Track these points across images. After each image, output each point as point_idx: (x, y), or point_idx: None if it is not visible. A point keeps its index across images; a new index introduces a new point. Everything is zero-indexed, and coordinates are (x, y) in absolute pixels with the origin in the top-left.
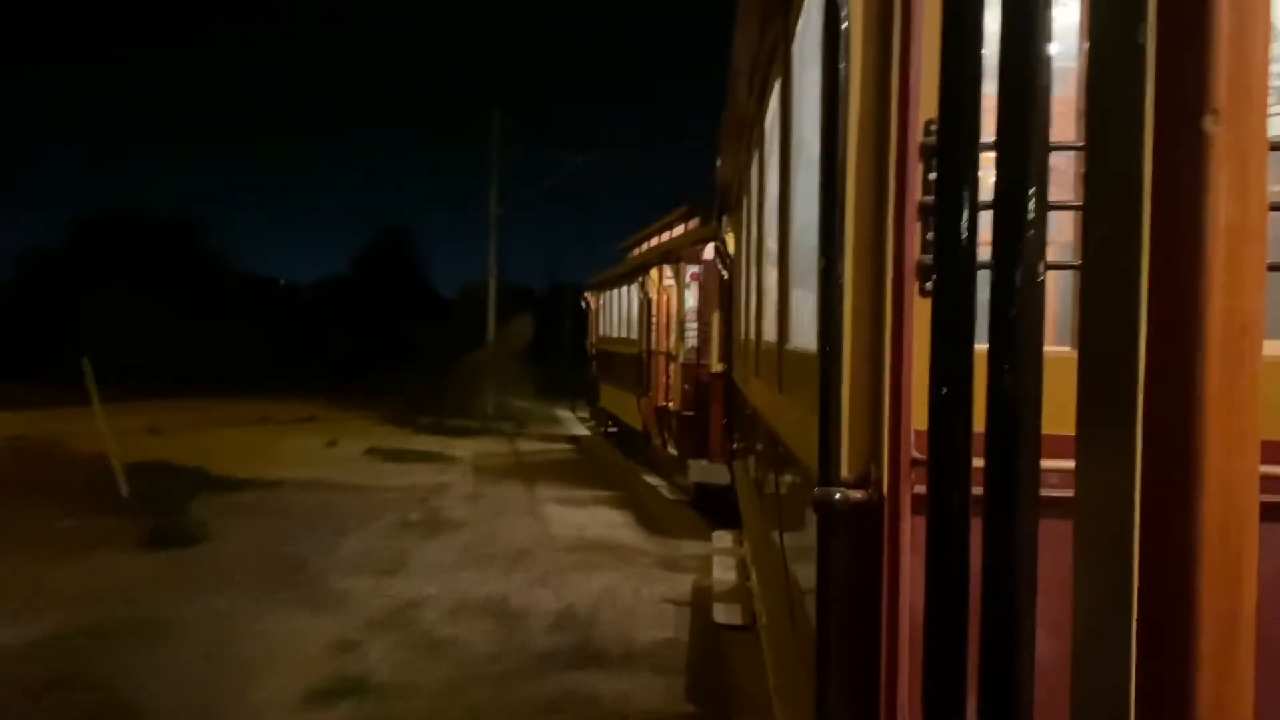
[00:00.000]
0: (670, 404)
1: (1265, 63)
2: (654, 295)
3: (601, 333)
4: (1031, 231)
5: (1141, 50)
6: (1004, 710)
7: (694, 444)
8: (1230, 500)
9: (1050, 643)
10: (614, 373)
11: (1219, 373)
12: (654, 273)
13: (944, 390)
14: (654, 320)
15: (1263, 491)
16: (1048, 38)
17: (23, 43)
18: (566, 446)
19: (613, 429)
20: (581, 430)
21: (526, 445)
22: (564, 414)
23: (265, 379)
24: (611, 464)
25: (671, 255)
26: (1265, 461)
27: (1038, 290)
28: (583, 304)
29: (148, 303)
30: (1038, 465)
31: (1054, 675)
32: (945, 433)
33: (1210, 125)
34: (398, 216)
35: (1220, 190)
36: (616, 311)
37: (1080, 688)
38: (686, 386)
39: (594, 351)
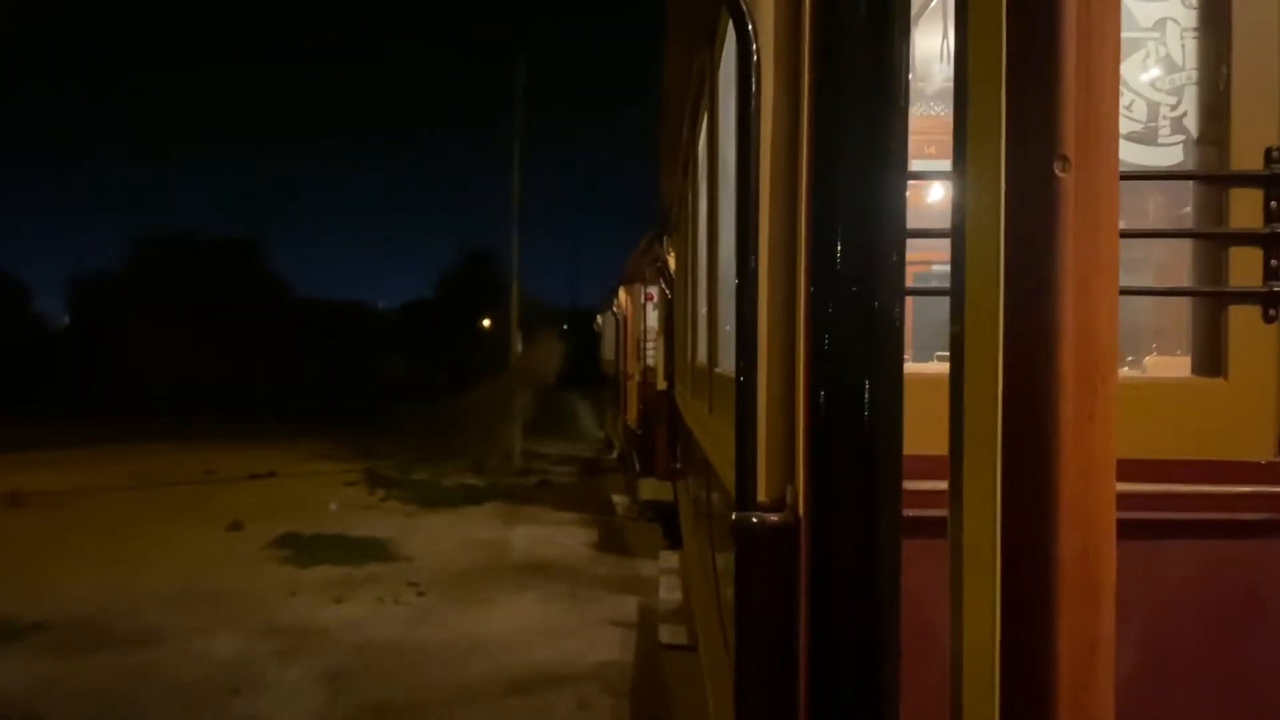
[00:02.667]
0: (630, 422)
1: (1114, 109)
2: (621, 316)
3: (603, 355)
4: (891, 256)
5: (998, 102)
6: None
7: (644, 461)
8: (1088, 527)
9: (932, 662)
10: (609, 394)
11: (1073, 406)
12: (621, 294)
13: (825, 412)
14: (623, 341)
15: (1123, 509)
16: (906, 66)
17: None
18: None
19: (615, 451)
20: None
21: (530, 520)
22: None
23: (291, 411)
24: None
25: (628, 276)
26: (1121, 479)
27: (896, 312)
28: (594, 327)
29: (201, 330)
30: (899, 484)
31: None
32: (826, 454)
33: (1059, 171)
34: (493, 235)
35: (1069, 232)
36: (610, 333)
37: (953, 709)
38: (641, 405)
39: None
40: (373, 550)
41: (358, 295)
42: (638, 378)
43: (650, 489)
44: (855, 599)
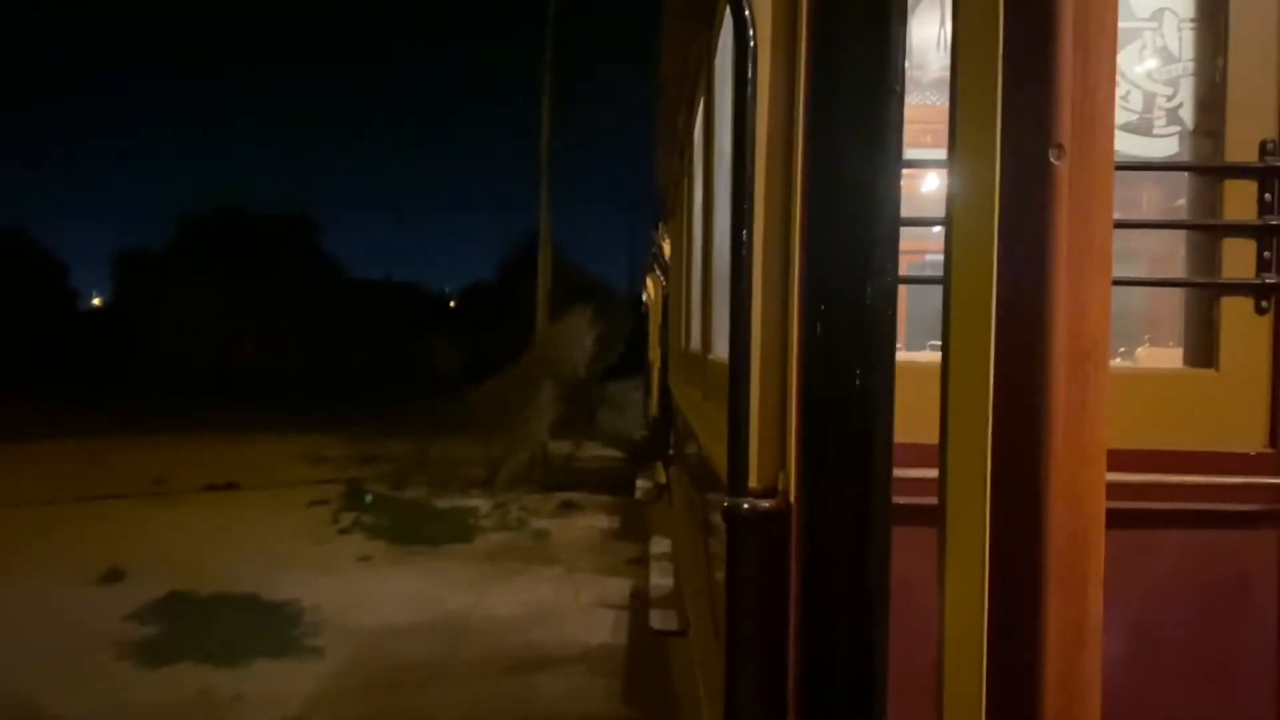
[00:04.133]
0: (653, 409)
1: (1110, 98)
2: (648, 304)
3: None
4: (885, 244)
5: (994, 88)
6: (860, 712)
7: (662, 447)
8: (1077, 514)
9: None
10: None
11: (1065, 391)
12: (648, 281)
13: (813, 398)
14: (649, 328)
15: (1114, 499)
16: (902, 52)
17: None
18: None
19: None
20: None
21: (533, 574)
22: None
23: (318, 400)
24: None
25: (650, 263)
26: (1113, 469)
27: (889, 301)
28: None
29: (247, 311)
30: (889, 471)
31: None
32: (819, 442)
33: (1054, 159)
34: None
35: (1063, 220)
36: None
37: (938, 694)
38: (658, 392)
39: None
40: (276, 631)
41: (420, 278)
42: (658, 364)
43: (663, 474)
44: (846, 586)
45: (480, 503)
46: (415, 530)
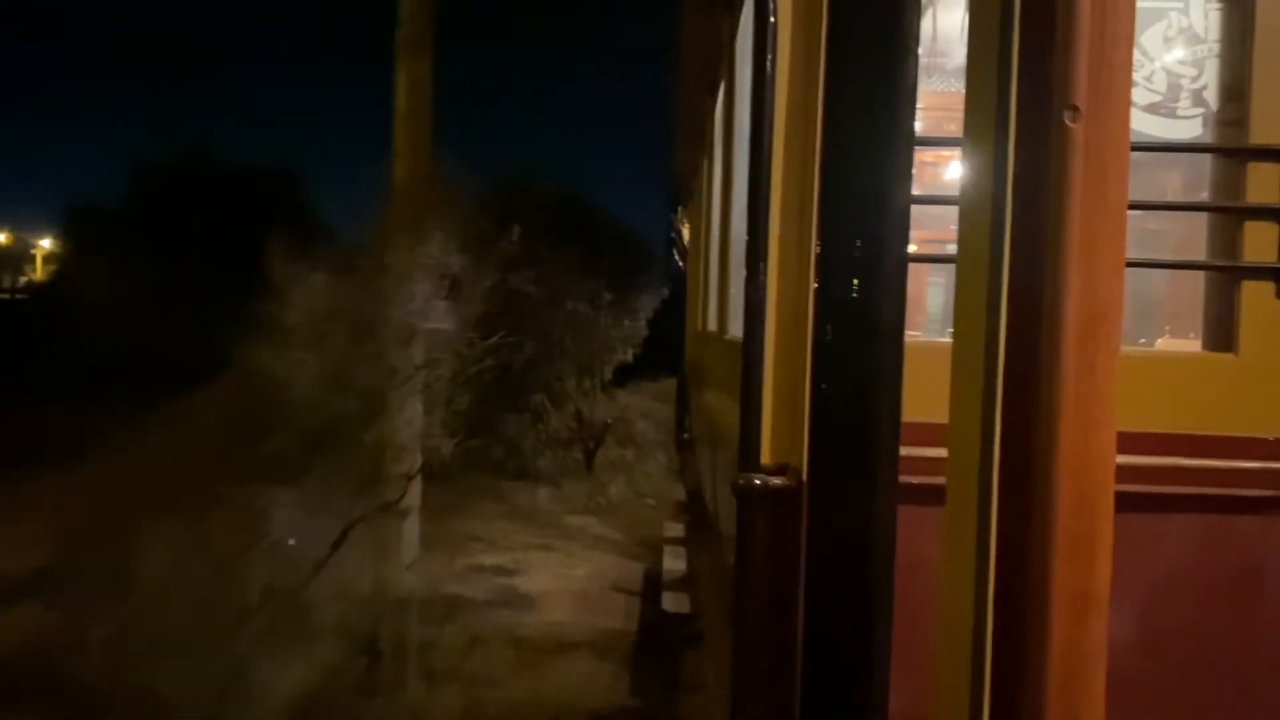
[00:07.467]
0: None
1: (1127, 62)
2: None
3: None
4: (893, 224)
5: (1010, 50)
6: (861, 688)
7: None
8: (1086, 479)
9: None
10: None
11: (1074, 358)
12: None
13: (827, 379)
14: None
15: (1130, 482)
16: (916, 37)
17: None
18: None
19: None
20: None
21: None
22: None
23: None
24: None
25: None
26: (1130, 452)
27: (898, 281)
28: None
29: (211, 284)
30: (897, 443)
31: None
32: (827, 419)
33: (1069, 121)
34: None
35: (1077, 183)
36: None
37: (941, 666)
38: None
39: None
40: None
41: None
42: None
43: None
44: (851, 563)
45: None
46: None
